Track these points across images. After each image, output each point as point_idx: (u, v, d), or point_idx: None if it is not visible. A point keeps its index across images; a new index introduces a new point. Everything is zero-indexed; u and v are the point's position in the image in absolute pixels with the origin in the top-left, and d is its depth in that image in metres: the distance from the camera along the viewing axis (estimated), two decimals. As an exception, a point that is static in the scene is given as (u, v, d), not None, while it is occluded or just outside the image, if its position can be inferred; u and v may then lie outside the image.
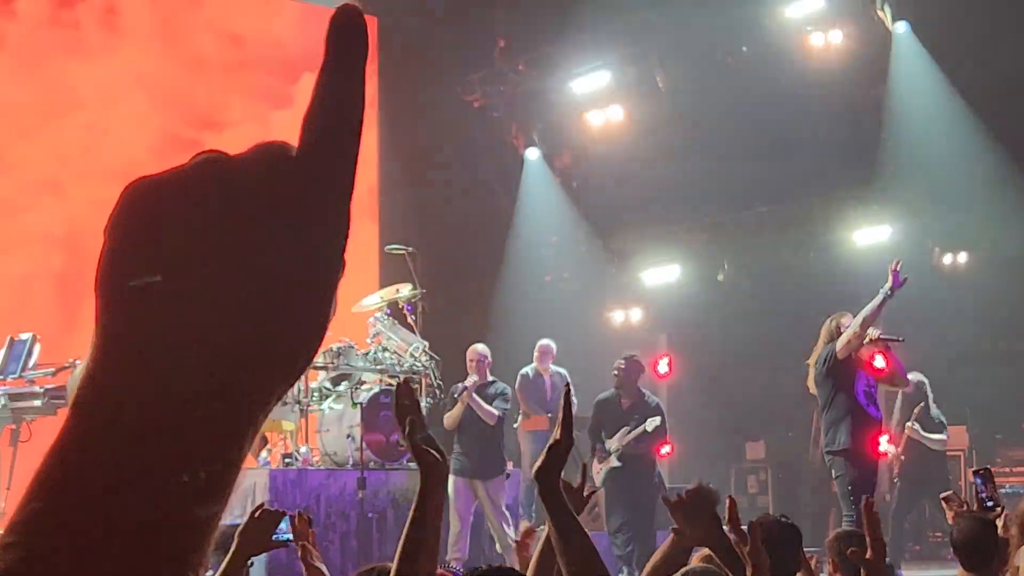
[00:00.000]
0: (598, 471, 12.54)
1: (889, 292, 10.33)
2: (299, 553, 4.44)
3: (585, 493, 4.49)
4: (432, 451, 3.17)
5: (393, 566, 3.05)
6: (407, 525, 3.12)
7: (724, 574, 4.22)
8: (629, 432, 12.68)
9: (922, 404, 13.79)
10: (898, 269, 10.35)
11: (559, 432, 3.35)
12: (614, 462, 12.63)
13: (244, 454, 0.73)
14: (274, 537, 4.32)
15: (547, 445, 3.37)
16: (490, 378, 12.49)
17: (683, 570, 4.37)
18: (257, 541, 4.23)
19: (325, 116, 0.78)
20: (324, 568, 4.45)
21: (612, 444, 12.66)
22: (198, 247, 0.72)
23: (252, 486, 11.42)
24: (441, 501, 3.23)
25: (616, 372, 13.01)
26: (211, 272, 0.71)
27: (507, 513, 12.36)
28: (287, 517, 4.50)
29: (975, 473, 7.23)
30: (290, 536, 4.57)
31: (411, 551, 3.06)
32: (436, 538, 3.18)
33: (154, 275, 0.71)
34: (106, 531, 0.67)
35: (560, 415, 3.39)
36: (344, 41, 0.78)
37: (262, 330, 0.72)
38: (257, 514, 4.24)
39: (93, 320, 0.73)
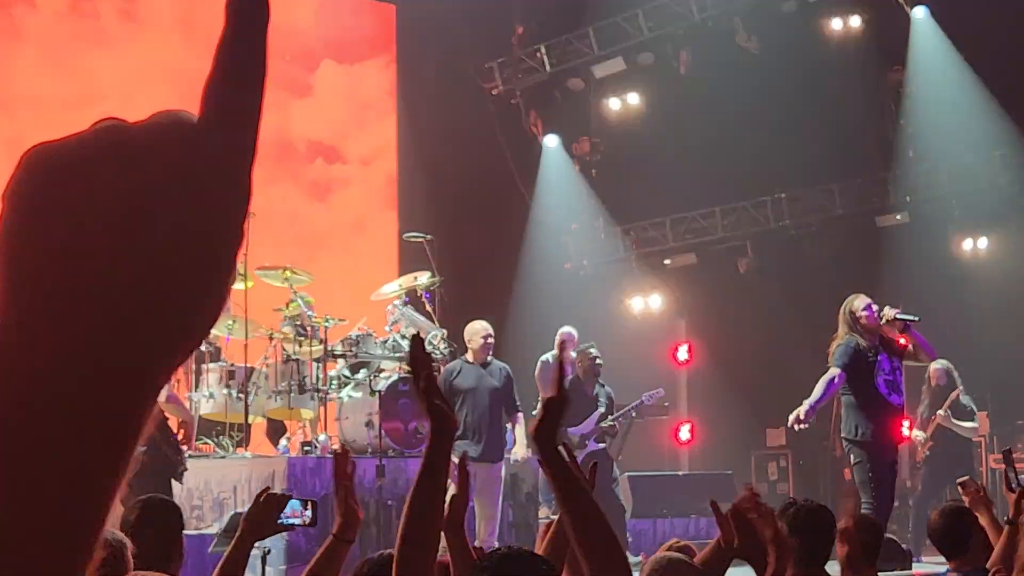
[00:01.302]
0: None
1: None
2: (336, 490, 4.29)
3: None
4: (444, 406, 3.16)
5: (400, 526, 3.02)
6: (415, 485, 3.06)
7: (691, 562, 4.21)
8: (605, 415, 12.59)
9: (957, 391, 13.75)
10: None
11: (554, 389, 3.23)
12: (595, 445, 12.55)
13: (141, 427, 0.74)
14: (280, 521, 4.32)
15: (542, 403, 3.24)
16: (488, 357, 12.05)
17: (653, 557, 4.32)
18: (263, 525, 4.24)
19: (227, 83, 0.77)
20: (359, 506, 4.31)
21: (582, 429, 12.52)
22: (99, 214, 0.73)
23: (271, 474, 11.45)
24: (449, 458, 3.19)
25: (598, 362, 12.87)
26: (112, 239, 0.72)
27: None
28: (293, 501, 4.49)
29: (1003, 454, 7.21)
30: (295, 521, 4.56)
31: (420, 510, 3.02)
32: (444, 496, 3.14)
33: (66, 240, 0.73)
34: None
35: (554, 375, 3.30)
36: (244, 7, 0.78)
37: (163, 297, 0.73)
38: (263, 498, 4.24)
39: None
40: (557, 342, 14.53)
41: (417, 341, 3.23)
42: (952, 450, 13.76)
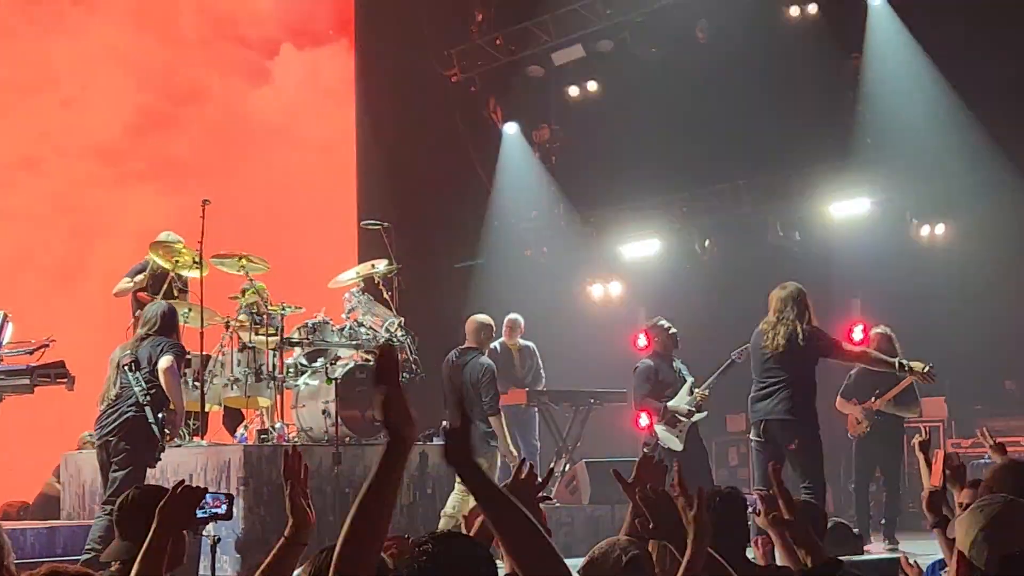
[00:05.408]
0: (676, 432, 12.25)
1: None
2: (287, 490, 4.29)
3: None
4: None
5: (346, 524, 2.91)
6: (366, 488, 2.90)
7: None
8: (707, 381, 12.44)
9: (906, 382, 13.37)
10: None
11: (455, 417, 2.94)
12: (699, 415, 12.40)
13: None
14: (198, 513, 4.28)
15: (444, 431, 2.97)
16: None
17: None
18: (179, 518, 4.17)
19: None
20: (311, 509, 4.30)
21: (688, 400, 12.34)
22: None
23: (227, 462, 11.42)
24: (404, 467, 3.05)
25: (672, 332, 12.70)
26: None
27: None
28: (211, 494, 4.45)
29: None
30: (216, 510, 4.52)
31: (368, 511, 2.91)
32: (392, 502, 2.99)
33: None
34: None
35: (451, 400, 3.06)
36: None
37: None
38: (179, 490, 4.18)
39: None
40: (504, 329, 14.59)
41: (390, 351, 3.00)
42: (882, 429, 13.39)
